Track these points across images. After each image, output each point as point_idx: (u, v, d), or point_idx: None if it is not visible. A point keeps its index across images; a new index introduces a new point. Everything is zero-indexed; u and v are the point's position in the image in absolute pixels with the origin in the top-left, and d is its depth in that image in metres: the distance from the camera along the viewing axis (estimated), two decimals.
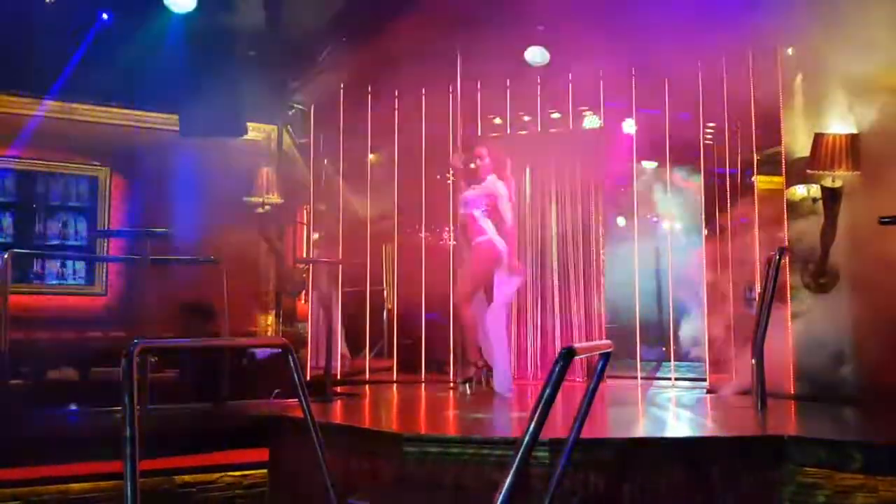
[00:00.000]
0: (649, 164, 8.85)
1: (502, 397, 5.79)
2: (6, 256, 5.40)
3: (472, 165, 6.11)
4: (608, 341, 2.69)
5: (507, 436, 3.87)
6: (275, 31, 6.74)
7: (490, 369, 6.00)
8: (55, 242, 7.28)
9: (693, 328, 7.18)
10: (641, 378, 7.18)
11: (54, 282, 7.27)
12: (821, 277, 5.68)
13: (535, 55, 7.47)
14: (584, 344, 2.37)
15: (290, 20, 6.67)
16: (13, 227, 7.12)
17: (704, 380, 6.71)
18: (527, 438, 1.99)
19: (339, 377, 6.99)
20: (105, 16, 6.80)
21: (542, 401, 2.04)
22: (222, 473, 4.28)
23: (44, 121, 7.11)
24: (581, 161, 7.50)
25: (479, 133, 7.82)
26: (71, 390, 5.56)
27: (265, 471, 4.46)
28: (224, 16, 6.66)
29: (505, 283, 5.94)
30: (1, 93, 6.97)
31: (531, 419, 2.01)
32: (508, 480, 1.94)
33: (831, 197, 5.51)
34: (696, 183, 7.72)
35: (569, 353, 2.11)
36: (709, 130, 7.42)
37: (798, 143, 6.03)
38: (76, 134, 7.24)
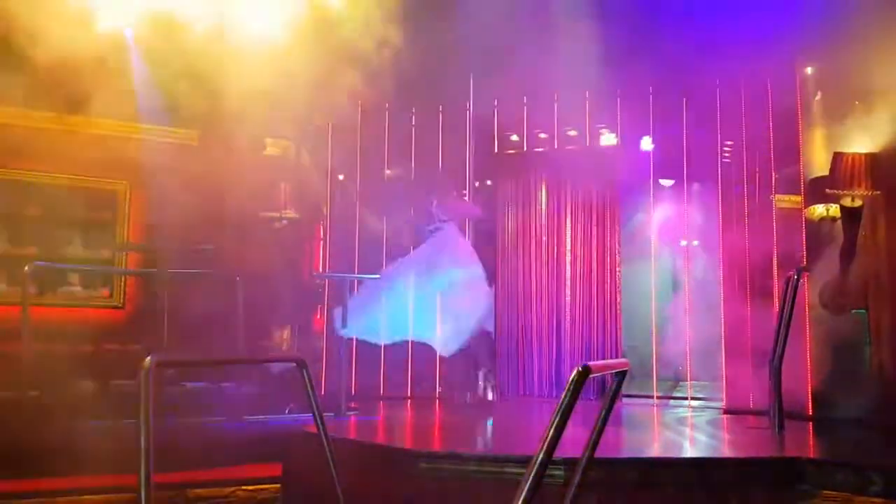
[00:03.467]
0: (667, 182, 8.80)
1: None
2: (26, 269, 5.46)
3: None
4: (624, 360, 2.67)
5: (521, 454, 3.85)
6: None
7: None
8: (74, 255, 7.33)
9: (710, 347, 7.10)
10: (657, 397, 7.12)
11: (74, 295, 7.32)
12: (839, 297, 5.63)
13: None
14: (600, 362, 2.35)
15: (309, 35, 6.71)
16: (33, 239, 7.19)
17: (721, 400, 6.64)
18: (540, 457, 1.98)
19: (353, 393, 6.99)
20: (128, 32, 6.88)
21: (557, 419, 2.02)
22: (236, 488, 4.28)
23: (65, 135, 7.19)
24: (597, 179, 7.49)
25: (496, 150, 7.85)
26: (89, 403, 5.58)
27: (279, 485, 4.46)
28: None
29: None
30: (24, 107, 7.05)
31: (545, 437, 2.00)
32: (521, 499, 1.92)
33: (851, 216, 5.47)
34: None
35: (583, 372, 2.10)
36: (727, 148, 7.38)
37: (817, 161, 6.00)
38: (97, 148, 7.31)
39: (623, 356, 6.99)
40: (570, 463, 3.20)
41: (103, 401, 5.33)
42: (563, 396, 2.06)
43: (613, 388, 2.76)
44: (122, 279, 7.45)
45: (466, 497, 3.70)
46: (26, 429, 4.62)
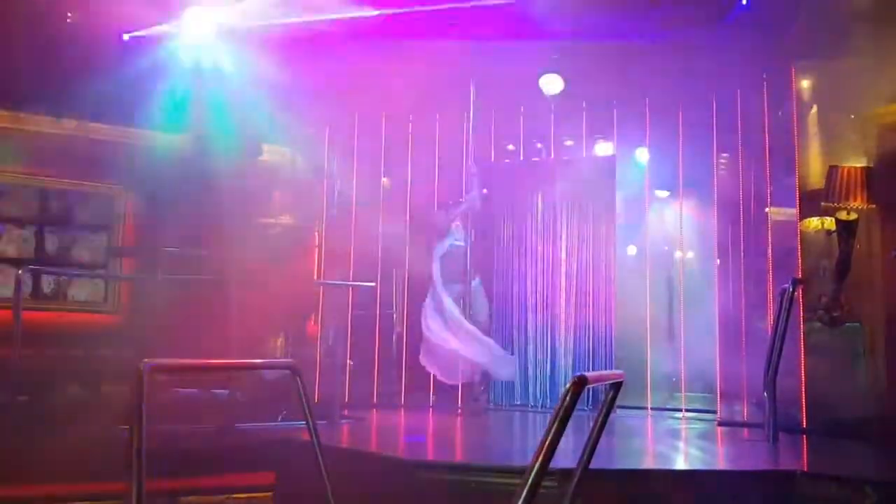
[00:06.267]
0: (662, 193, 8.83)
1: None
2: (19, 273, 5.43)
3: None
4: (619, 371, 2.66)
5: (515, 464, 3.83)
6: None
7: None
8: (69, 260, 7.30)
9: (704, 359, 7.10)
10: (651, 409, 7.10)
11: (67, 299, 7.28)
12: (834, 311, 5.63)
13: (550, 82, 7.49)
14: (596, 373, 2.34)
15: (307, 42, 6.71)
16: (28, 243, 7.16)
17: (715, 411, 6.63)
18: (536, 468, 1.95)
19: (346, 400, 6.96)
20: (126, 37, 6.87)
21: (552, 430, 2.00)
22: (227, 496, 4.26)
23: (61, 139, 7.17)
24: (593, 188, 7.49)
25: (493, 159, 7.85)
26: (80, 408, 5.55)
27: (270, 493, 4.43)
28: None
29: None
30: (20, 111, 7.03)
31: (540, 448, 1.98)
32: None
33: (846, 229, 5.47)
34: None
35: (580, 382, 2.08)
36: (722, 160, 7.41)
37: (813, 174, 6.01)
38: (93, 153, 7.29)
39: (617, 367, 6.97)
40: (565, 474, 3.18)
41: (95, 406, 5.29)
42: (558, 406, 2.04)
43: (609, 400, 2.74)
44: (116, 284, 7.42)
45: None
46: (16, 434, 4.58)
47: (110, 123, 7.29)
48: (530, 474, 1.96)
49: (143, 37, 6.80)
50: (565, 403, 2.04)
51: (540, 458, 1.96)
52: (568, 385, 2.08)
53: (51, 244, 7.23)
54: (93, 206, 7.43)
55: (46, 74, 6.47)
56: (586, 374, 2.14)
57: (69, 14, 6.69)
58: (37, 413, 5.12)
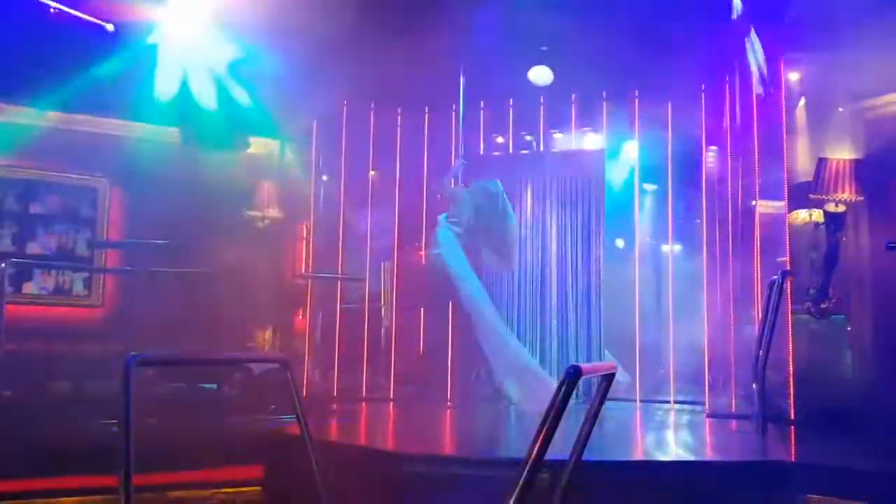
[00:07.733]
0: (650, 186, 8.83)
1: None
2: (3, 266, 5.36)
3: None
4: (612, 363, 2.66)
5: (506, 456, 3.82)
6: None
7: None
8: (53, 253, 7.22)
9: (692, 351, 7.12)
10: (640, 400, 7.12)
11: (51, 293, 7.21)
12: (822, 302, 5.65)
13: (539, 75, 7.47)
14: (590, 365, 2.33)
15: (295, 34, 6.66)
16: (11, 236, 7.08)
17: (703, 403, 6.65)
18: (531, 460, 1.95)
19: (336, 394, 6.93)
20: (110, 27, 6.78)
21: (547, 421, 1.99)
22: (216, 490, 4.23)
23: (45, 131, 7.08)
24: (582, 181, 7.49)
25: (482, 152, 7.83)
26: (65, 403, 5.50)
27: (260, 488, 4.40)
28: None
29: None
30: (2, 102, 6.94)
31: (536, 439, 1.97)
32: (514, 500, 1.89)
33: (834, 222, 5.50)
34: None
35: (575, 373, 2.07)
36: (710, 153, 7.41)
37: (801, 167, 6.03)
38: (77, 145, 7.21)
39: (606, 359, 6.98)
40: (557, 465, 3.17)
41: (80, 401, 5.25)
42: (554, 397, 2.03)
43: (601, 391, 2.73)
44: (101, 277, 7.35)
45: (451, 500, 3.66)
46: (2, 429, 4.53)
47: (95, 115, 7.21)
48: (527, 465, 1.95)
49: (129, 26, 6.71)
50: (561, 394, 2.03)
51: (536, 449, 1.95)
52: (563, 376, 2.07)
53: (34, 237, 7.15)
54: (77, 199, 7.35)
55: (30, 65, 6.39)
56: (580, 364, 2.13)
57: (52, 4, 6.60)
58: (23, 408, 5.07)
